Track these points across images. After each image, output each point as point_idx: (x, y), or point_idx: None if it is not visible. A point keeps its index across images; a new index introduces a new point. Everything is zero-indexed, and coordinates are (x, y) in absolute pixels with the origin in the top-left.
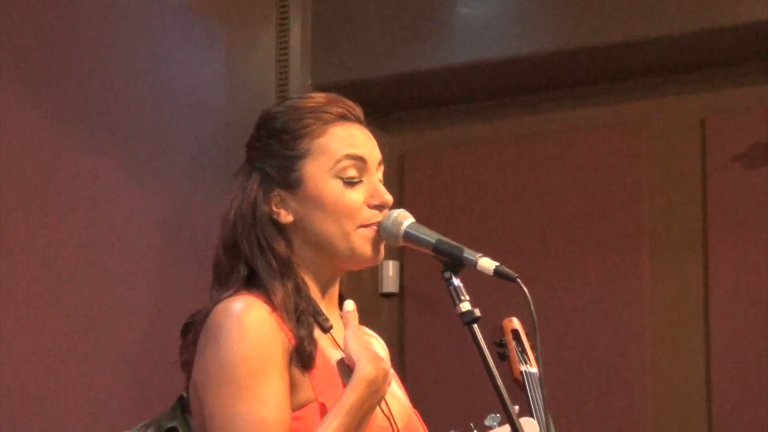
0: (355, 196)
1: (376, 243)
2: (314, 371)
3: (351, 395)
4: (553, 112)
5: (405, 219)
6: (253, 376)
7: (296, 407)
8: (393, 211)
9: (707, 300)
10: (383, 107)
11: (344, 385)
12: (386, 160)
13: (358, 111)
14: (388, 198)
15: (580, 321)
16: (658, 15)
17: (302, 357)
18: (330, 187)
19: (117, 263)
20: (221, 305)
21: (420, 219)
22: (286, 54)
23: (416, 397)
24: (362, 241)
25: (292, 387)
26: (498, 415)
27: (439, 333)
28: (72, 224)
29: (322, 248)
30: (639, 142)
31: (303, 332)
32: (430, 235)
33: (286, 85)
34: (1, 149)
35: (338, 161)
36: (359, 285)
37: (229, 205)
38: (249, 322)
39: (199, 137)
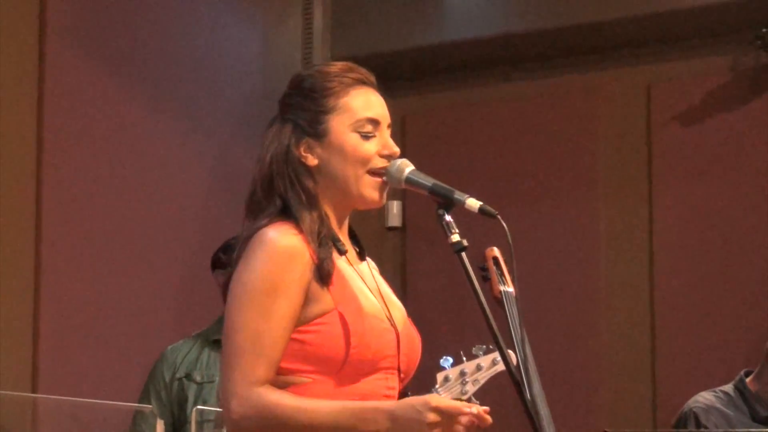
0: (370, 146)
1: (381, 190)
2: (332, 286)
3: (369, 405)
4: (526, 81)
5: (407, 167)
6: (266, 295)
7: (318, 315)
8: (397, 160)
9: (651, 234)
10: (389, 76)
11: (358, 297)
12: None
13: (372, 78)
14: (396, 149)
15: (548, 250)
16: (614, 1)
17: (322, 274)
18: (350, 139)
19: (170, 201)
20: (260, 233)
21: (419, 168)
22: (310, 33)
23: (416, 313)
24: (370, 187)
25: (313, 299)
26: (483, 346)
27: (436, 261)
28: (132, 169)
29: (339, 188)
30: (596, 105)
31: (324, 254)
32: (427, 180)
33: (310, 57)
34: (79, 111)
35: (358, 120)
36: (367, 220)
37: (265, 149)
38: (279, 248)
39: (240, 99)
